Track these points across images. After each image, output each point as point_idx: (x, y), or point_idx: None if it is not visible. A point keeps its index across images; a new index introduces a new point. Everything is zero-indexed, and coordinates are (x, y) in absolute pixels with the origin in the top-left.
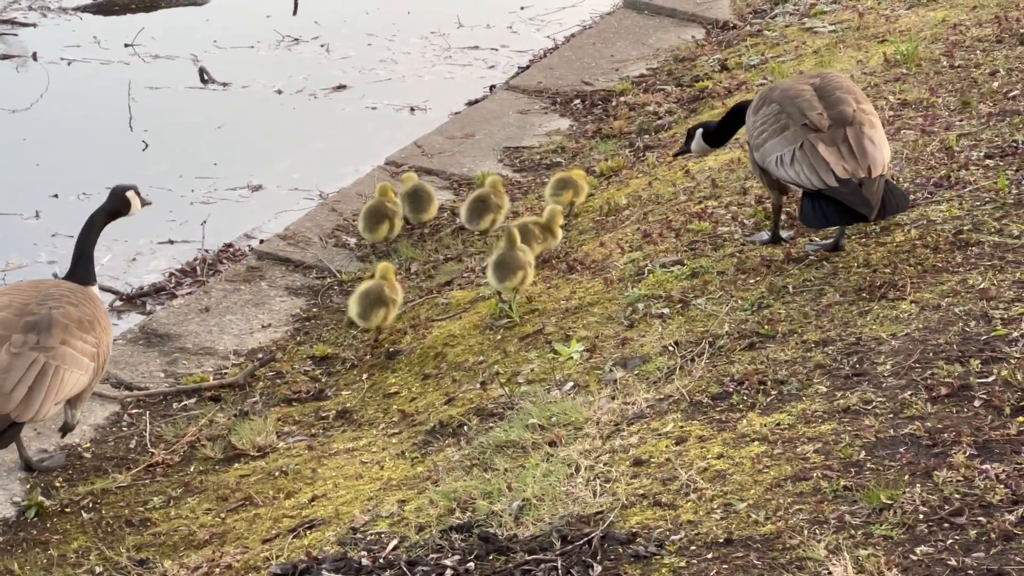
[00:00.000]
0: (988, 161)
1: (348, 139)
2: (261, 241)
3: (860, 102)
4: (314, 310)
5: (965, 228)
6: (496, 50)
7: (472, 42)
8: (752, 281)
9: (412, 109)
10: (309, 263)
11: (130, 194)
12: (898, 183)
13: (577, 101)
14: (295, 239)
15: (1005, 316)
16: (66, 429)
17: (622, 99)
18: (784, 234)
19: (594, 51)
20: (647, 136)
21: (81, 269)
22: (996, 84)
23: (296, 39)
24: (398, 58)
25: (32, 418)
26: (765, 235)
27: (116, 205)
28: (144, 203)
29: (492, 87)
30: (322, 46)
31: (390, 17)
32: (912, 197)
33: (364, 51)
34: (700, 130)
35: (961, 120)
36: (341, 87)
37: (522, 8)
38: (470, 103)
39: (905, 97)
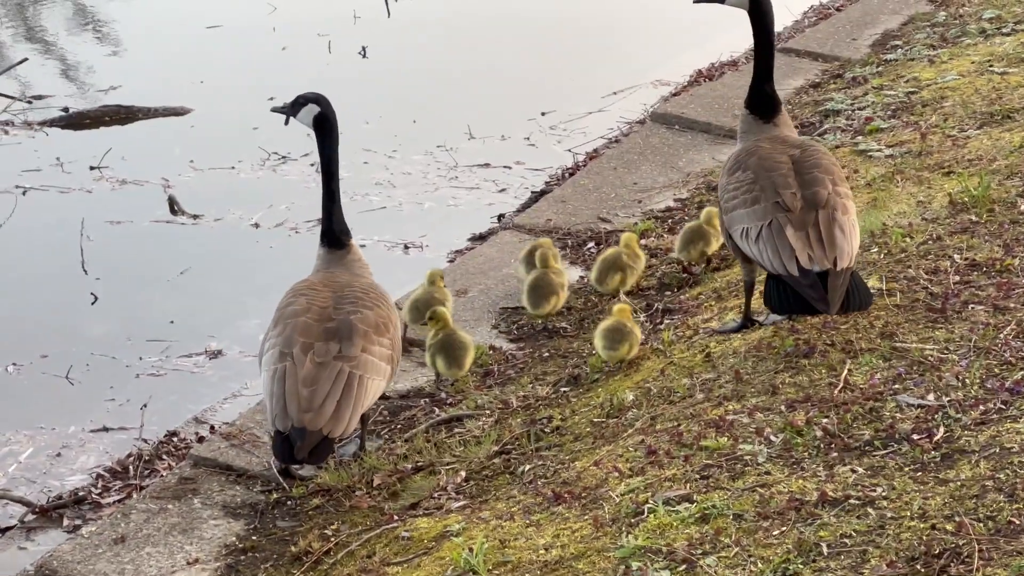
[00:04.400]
0: None
1: None
2: (202, 439)
3: (836, 183)
4: (253, 538)
5: None
6: (509, 168)
7: (483, 158)
8: (776, 532)
9: (407, 247)
10: (254, 472)
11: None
12: (969, 387)
13: (591, 244)
14: (240, 437)
15: None
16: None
17: (642, 242)
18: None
19: (614, 177)
20: (668, 294)
21: (336, 223)
22: None
23: (283, 157)
24: (396, 179)
25: (342, 433)
26: (733, 323)
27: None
28: None
29: (500, 216)
30: (312, 165)
31: (393, 127)
32: (981, 409)
33: (359, 171)
34: None
35: None
36: None
37: (543, 114)
38: (473, 238)
39: (974, 256)
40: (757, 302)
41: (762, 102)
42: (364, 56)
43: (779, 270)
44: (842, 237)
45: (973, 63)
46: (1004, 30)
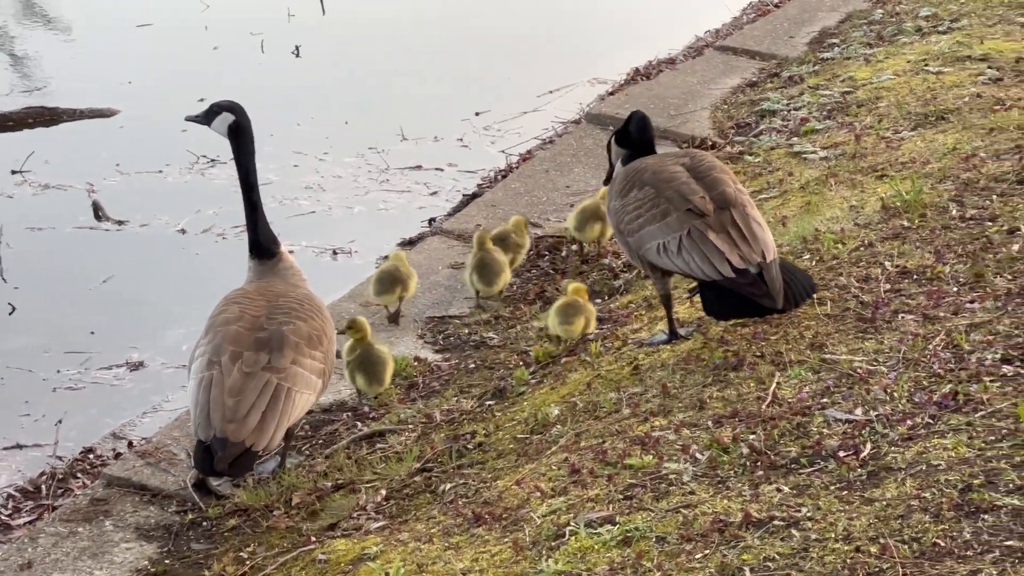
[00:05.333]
0: (1006, 368)
1: None
2: (119, 455)
3: (735, 181)
4: (166, 562)
5: (975, 483)
6: (441, 170)
7: (415, 160)
8: (699, 556)
9: (335, 253)
10: (170, 491)
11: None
12: (897, 400)
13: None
14: (157, 455)
15: None
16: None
17: (573, 247)
18: (683, 331)
19: (546, 180)
20: (599, 301)
21: (262, 234)
22: (1016, 247)
23: (212, 160)
24: (327, 183)
25: (265, 446)
26: (662, 335)
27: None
28: None
29: (431, 220)
30: None
31: (324, 129)
32: (909, 424)
33: (289, 174)
34: (613, 139)
35: (972, 300)
36: None
37: (477, 114)
38: (403, 243)
39: (905, 264)
40: (688, 312)
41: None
42: (298, 55)
43: (712, 275)
44: (760, 230)
45: (909, 62)
46: (940, 28)
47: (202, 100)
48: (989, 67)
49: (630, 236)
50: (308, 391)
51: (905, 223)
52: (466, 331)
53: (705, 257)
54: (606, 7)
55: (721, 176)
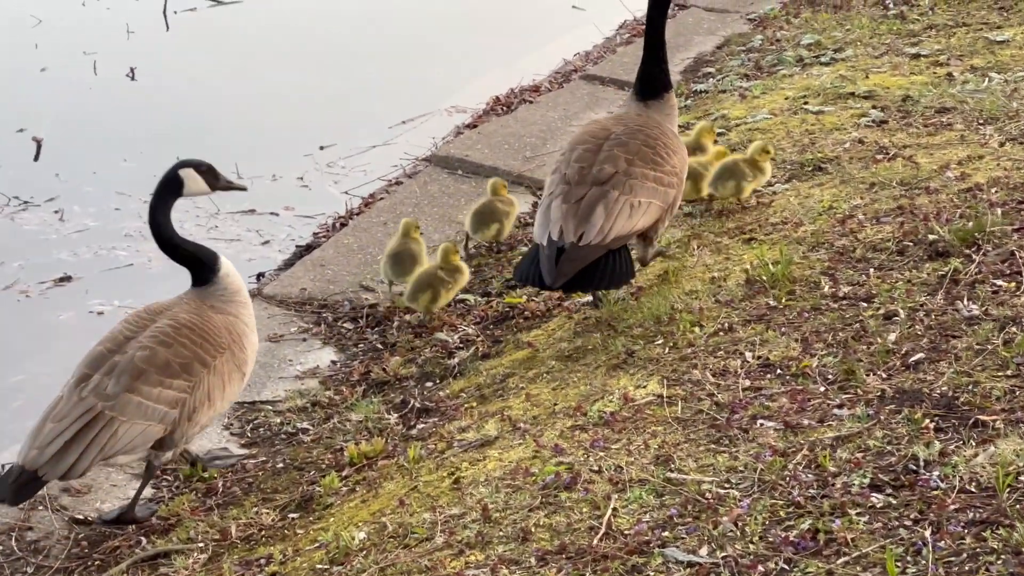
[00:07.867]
0: (875, 497)
1: (52, 367)
2: None
3: (633, 164)
4: None
5: None
6: (276, 215)
7: (248, 202)
8: None
9: None
10: None
11: (186, 172)
12: (749, 537)
13: (347, 322)
14: None
15: None
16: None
17: (406, 318)
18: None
19: (383, 234)
20: (429, 385)
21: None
22: (892, 336)
23: (26, 202)
24: (149, 230)
25: (63, 477)
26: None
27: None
28: (220, 185)
29: (260, 276)
30: (56, 212)
31: (153, 166)
32: (760, 571)
33: (109, 219)
34: None
35: (841, 404)
36: (65, 279)
37: (321, 148)
38: None
39: (768, 354)
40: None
41: (640, 81)
42: (133, 78)
43: (536, 239)
44: (601, 215)
45: (787, 99)
46: (823, 59)
47: (22, 130)
48: (873, 107)
49: None
50: (143, 422)
51: (771, 302)
52: (278, 420)
53: (540, 221)
54: (469, 26)
55: (619, 154)
